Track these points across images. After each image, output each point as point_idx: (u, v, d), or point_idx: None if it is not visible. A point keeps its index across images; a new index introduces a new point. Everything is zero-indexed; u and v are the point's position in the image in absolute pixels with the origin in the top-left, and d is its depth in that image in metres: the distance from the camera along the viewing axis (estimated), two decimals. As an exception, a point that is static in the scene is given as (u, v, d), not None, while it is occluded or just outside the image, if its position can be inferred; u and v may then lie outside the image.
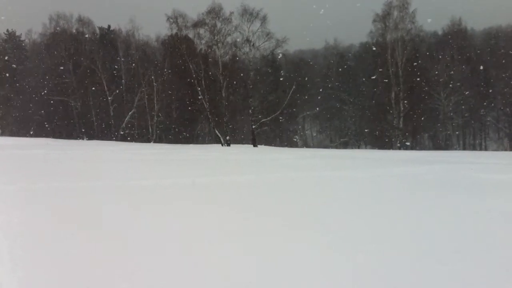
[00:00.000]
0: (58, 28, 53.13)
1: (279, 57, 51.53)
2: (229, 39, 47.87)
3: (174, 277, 3.91)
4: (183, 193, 8.43)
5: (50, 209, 6.68)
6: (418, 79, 48.23)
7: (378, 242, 5.02)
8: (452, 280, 3.88)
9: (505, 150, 51.48)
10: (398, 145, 48.33)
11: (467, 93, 49.27)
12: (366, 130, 57.22)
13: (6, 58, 56.21)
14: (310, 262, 4.32)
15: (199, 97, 46.34)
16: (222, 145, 43.15)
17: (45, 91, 50.46)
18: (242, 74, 48.76)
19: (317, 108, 62.80)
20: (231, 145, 44.36)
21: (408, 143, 49.59)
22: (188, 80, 47.30)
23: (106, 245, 4.83)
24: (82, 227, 5.63)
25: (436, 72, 49.86)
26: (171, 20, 47.77)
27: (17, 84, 54.68)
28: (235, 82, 48.09)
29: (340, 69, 66.79)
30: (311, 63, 69.82)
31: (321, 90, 64.53)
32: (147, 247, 4.75)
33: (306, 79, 58.36)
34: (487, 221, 6.18)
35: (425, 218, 6.35)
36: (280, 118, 51.40)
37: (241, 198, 8.06)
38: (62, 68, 50.47)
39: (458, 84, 49.59)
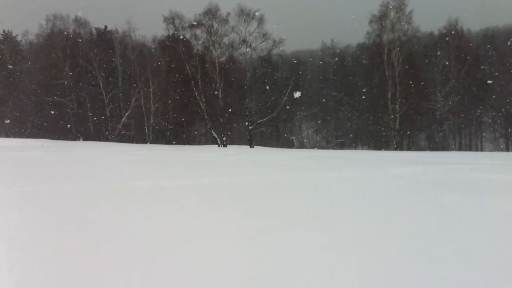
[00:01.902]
0: (55, 29, 53.00)
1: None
2: (226, 39, 47.89)
3: (172, 278, 3.90)
4: (180, 195, 8.41)
5: (48, 211, 6.66)
6: (414, 79, 48.34)
7: (376, 243, 5.02)
8: (450, 282, 3.87)
9: (501, 150, 51.61)
10: (395, 145, 48.41)
11: (461, 91, 49.38)
12: (362, 131, 57.29)
13: (2, 58, 56.12)
14: (307, 263, 4.31)
15: (196, 98, 46.32)
16: (219, 146, 43.12)
17: (41, 92, 50.29)
18: (238, 75, 48.73)
19: (314, 109, 62.81)
20: (227, 146, 44.33)
21: (404, 144, 49.74)
22: (185, 80, 47.26)
23: (104, 246, 4.81)
24: (80, 228, 5.62)
25: (433, 73, 49.97)
26: (168, 20, 47.77)
27: (13, 85, 54.52)
28: (232, 83, 48.06)
29: (336, 70, 66.81)
30: (303, 64, 69.68)
31: (318, 90, 64.60)
32: (145, 248, 4.74)
33: (300, 79, 58.37)
34: (485, 222, 6.18)
35: (423, 219, 6.35)
36: (280, 119, 51.44)
37: (238, 199, 8.05)
38: (58, 68, 50.32)
39: (455, 84, 49.69)
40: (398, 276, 3.99)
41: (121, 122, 50.65)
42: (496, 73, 50.68)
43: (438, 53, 51.32)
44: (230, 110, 48.26)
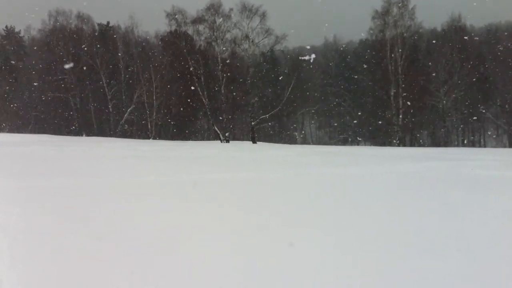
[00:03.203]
0: (57, 25, 52.96)
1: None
2: (228, 35, 47.81)
3: (173, 275, 3.89)
4: (182, 191, 8.41)
5: (49, 208, 6.66)
6: (417, 75, 48.18)
7: (380, 241, 5.00)
8: (453, 278, 3.86)
9: (504, 147, 51.45)
10: (397, 142, 48.32)
11: (464, 87, 49.21)
12: (365, 127, 57.16)
13: (4, 54, 56.17)
14: (311, 261, 4.29)
15: (198, 94, 46.28)
16: (221, 142, 43.09)
17: (44, 88, 50.30)
18: (241, 71, 48.68)
19: (317, 105, 62.71)
20: (230, 141, 44.30)
21: (406, 140, 49.68)
22: (187, 76, 47.23)
23: (105, 242, 4.81)
24: (81, 224, 5.61)
25: (436, 69, 49.77)
26: (170, 16, 47.71)
27: (16, 81, 54.53)
28: (234, 79, 48.01)
29: (339, 66, 66.64)
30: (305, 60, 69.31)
31: (320, 87, 64.48)
32: (146, 245, 4.73)
33: (303, 75, 58.19)
34: (488, 219, 6.16)
35: (427, 216, 6.33)
36: (282, 115, 51.37)
37: (242, 195, 8.04)
38: (61, 64, 50.29)
39: (458, 80, 49.50)
40: (402, 272, 3.97)
41: (124, 117, 50.66)
42: (499, 69, 50.47)
43: (441, 49, 51.05)
44: (232, 106, 48.24)
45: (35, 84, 51.41)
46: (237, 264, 4.19)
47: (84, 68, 50.22)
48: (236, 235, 5.24)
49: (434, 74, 49.45)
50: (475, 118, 50.63)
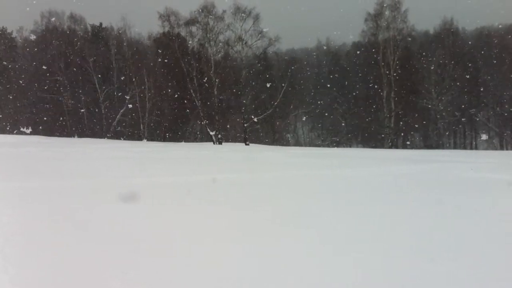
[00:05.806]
0: (49, 26, 52.74)
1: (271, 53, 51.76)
2: (221, 37, 47.89)
3: (168, 277, 3.86)
4: (176, 192, 8.37)
5: (42, 208, 6.61)
6: (409, 78, 48.43)
7: (374, 241, 5.00)
8: (446, 280, 3.86)
9: (495, 149, 51.77)
10: (389, 144, 48.51)
11: (456, 90, 49.48)
12: (357, 129, 57.34)
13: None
14: (307, 260, 4.28)
15: (191, 95, 46.25)
16: (214, 144, 43.07)
17: (36, 89, 50.05)
18: (234, 73, 48.72)
19: (309, 107, 62.85)
20: (222, 143, 44.29)
21: (399, 142, 49.92)
22: (180, 78, 47.19)
23: (99, 244, 4.77)
24: (75, 226, 5.57)
25: (428, 72, 50.01)
26: (163, 18, 47.70)
27: (8, 82, 54.20)
28: (227, 80, 48.03)
29: (332, 68, 66.87)
30: (298, 62, 69.40)
31: (313, 89, 64.64)
32: (140, 247, 4.70)
33: (296, 77, 58.34)
34: (480, 220, 6.18)
35: (422, 217, 6.34)
36: (275, 117, 51.49)
37: (235, 197, 8.01)
38: (53, 65, 50.05)
39: (450, 83, 49.75)
40: (396, 275, 3.96)
41: (116, 119, 50.49)
42: (491, 72, 50.78)
43: (433, 52, 51.31)
44: (225, 107, 48.26)
45: (27, 85, 51.11)
46: (231, 265, 4.17)
47: (77, 69, 50.01)
48: (231, 235, 5.23)
49: (426, 77, 49.69)
50: (464, 119, 51.04)
